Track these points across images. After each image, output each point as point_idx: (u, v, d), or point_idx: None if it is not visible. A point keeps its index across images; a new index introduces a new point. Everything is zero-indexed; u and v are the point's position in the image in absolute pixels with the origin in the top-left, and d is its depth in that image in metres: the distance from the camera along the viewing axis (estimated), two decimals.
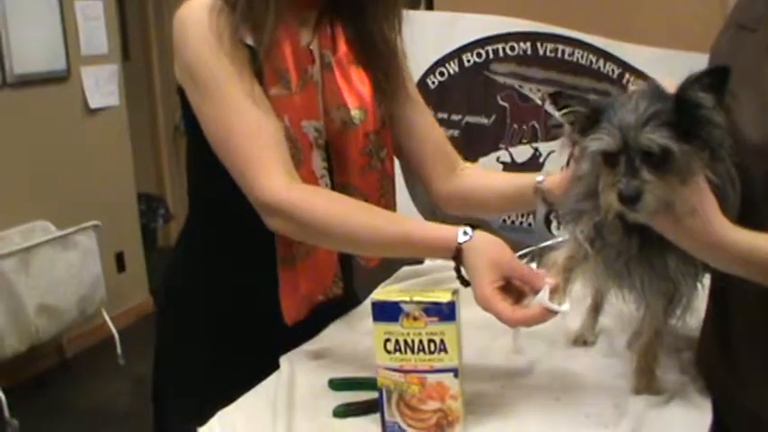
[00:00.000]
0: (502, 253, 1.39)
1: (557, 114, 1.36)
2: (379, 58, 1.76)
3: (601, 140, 1.25)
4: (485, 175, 1.89)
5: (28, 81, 5.17)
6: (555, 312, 1.34)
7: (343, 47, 1.75)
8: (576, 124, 1.32)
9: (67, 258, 5.01)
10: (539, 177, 1.70)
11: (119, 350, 5.35)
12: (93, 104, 5.67)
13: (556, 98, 1.35)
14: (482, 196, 1.84)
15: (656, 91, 1.27)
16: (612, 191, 1.25)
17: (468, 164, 1.91)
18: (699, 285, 1.42)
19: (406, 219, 1.55)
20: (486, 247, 1.39)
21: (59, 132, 5.41)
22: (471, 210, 1.91)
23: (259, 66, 1.60)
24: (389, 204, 1.82)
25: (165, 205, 7.48)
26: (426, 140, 1.86)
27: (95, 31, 5.71)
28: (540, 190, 1.69)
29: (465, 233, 1.40)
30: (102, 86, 5.74)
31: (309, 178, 1.64)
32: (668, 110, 1.23)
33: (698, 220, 1.25)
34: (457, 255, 1.40)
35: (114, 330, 5.37)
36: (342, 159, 1.73)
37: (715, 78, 1.22)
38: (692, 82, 1.23)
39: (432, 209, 2.59)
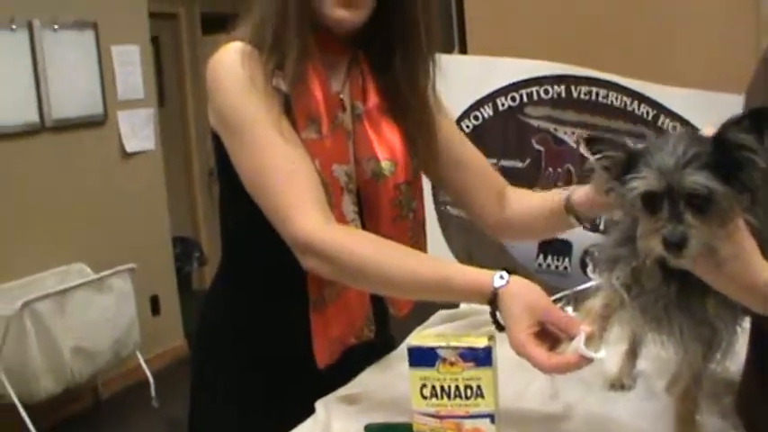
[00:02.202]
0: (537, 298, 1.38)
1: (591, 159, 1.35)
2: (411, 108, 1.76)
3: (644, 181, 1.24)
4: (523, 199, 1.88)
5: (66, 125, 5.25)
6: (590, 360, 1.32)
7: (373, 98, 1.75)
8: (612, 170, 1.32)
9: (103, 301, 5.04)
10: (566, 194, 1.72)
11: (153, 393, 5.36)
12: (129, 148, 5.73)
13: (591, 142, 1.34)
14: (525, 220, 1.86)
15: (692, 134, 1.26)
16: (655, 236, 1.23)
17: (513, 189, 1.91)
18: (738, 329, 1.40)
19: (442, 262, 1.55)
20: (521, 293, 1.38)
21: (96, 176, 5.47)
22: (519, 235, 1.92)
23: (291, 109, 1.62)
24: (421, 251, 1.81)
25: (199, 249, 7.52)
26: (471, 171, 1.87)
27: (132, 76, 5.79)
28: (570, 207, 1.70)
29: (501, 278, 1.39)
30: (137, 131, 5.80)
31: (340, 221, 1.63)
32: (707, 152, 1.21)
33: (738, 264, 1.24)
34: (492, 299, 1.39)
35: (149, 373, 5.38)
36: (373, 209, 1.73)
37: (755, 121, 1.21)
38: (732, 125, 1.22)
39: (468, 254, 2.58)
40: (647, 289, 1.34)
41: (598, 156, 1.32)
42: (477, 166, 1.89)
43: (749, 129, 1.21)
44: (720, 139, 1.23)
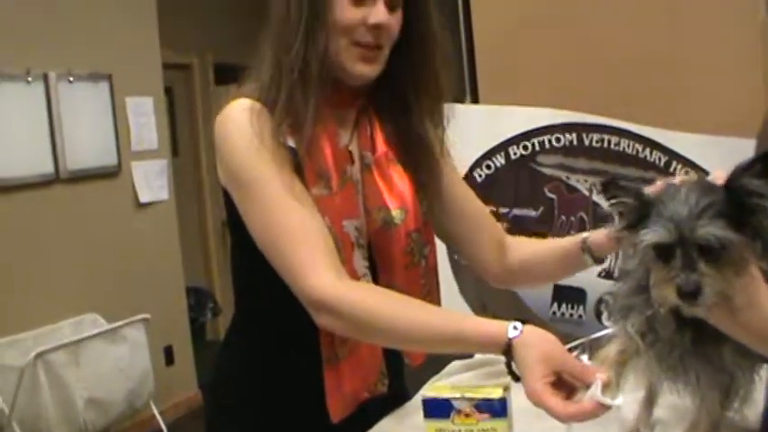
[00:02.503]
0: (552, 348, 1.38)
1: (605, 205, 1.35)
2: (421, 156, 1.78)
3: (655, 233, 1.23)
4: (530, 245, 1.91)
5: (80, 176, 5.28)
6: (607, 407, 1.31)
7: (381, 146, 1.76)
8: (625, 216, 1.31)
9: (117, 352, 5.03)
10: (584, 235, 1.74)
11: None
12: (143, 199, 5.76)
13: (607, 187, 1.34)
14: (532, 266, 1.87)
15: (704, 183, 1.27)
16: (669, 285, 1.23)
17: (511, 237, 1.92)
18: (756, 377, 1.39)
19: (455, 314, 1.54)
20: (536, 342, 1.37)
21: (110, 226, 5.49)
22: (524, 282, 1.92)
23: (300, 166, 1.62)
24: (434, 300, 1.82)
25: (213, 299, 7.52)
26: (471, 219, 1.89)
27: (145, 127, 5.84)
28: (587, 247, 1.71)
29: (515, 328, 1.39)
30: (151, 181, 5.84)
31: (352, 277, 1.63)
32: (720, 201, 1.21)
33: (753, 313, 1.23)
34: (507, 350, 1.38)
35: (163, 424, 5.36)
36: (385, 259, 1.74)
37: (765, 164, 1.21)
38: (743, 170, 1.22)
39: (481, 302, 2.56)
40: (662, 337, 1.34)
41: (613, 201, 1.32)
42: (478, 215, 1.91)
43: (760, 173, 1.20)
44: (731, 185, 1.23)
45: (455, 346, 1.50)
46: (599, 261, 1.73)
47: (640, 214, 1.28)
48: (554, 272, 1.92)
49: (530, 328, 1.39)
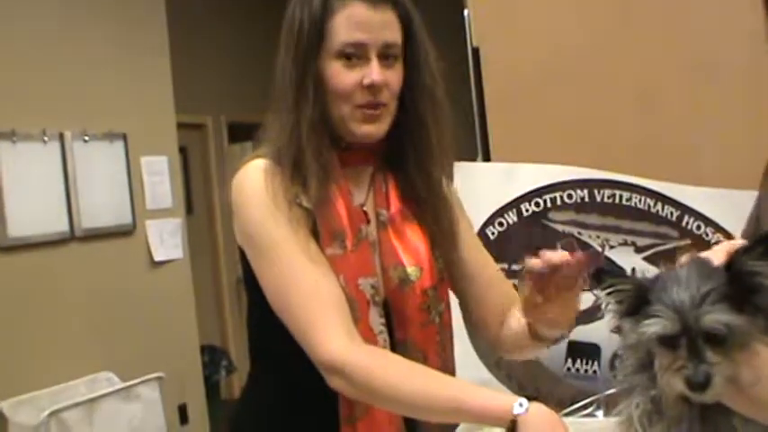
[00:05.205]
0: (556, 427, 1.39)
1: (601, 294, 1.32)
2: (428, 209, 1.77)
3: (658, 323, 1.20)
4: (513, 319, 1.80)
5: (95, 234, 5.31)
6: None
7: (396, 204, 1.76)
8: (624, 303, 1.27)
9: (131, 410, 5.02)
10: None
11: None
12: (157, 257, 5.78)
13: (600, 276, 1.30)
14: (511, 342, 1.80)
15: (704, 265, 1.24)
16: (676, 375, 1.19)
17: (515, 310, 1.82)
18: None
19: (462, 386, 1.53)
20: (540, 421, 1.38)
21: (125, 284, 5.50)
22: (523, 349, 1.84)
23: (315, 226, 1.63)
24: (448, 357, 1.80)
25: (227, 357, 7.50)
26: (482, 286, 1.85)
27: (160, 185, 5.87)
28: (535, 333, 1.69)
29: (520, 405, 1.39)
30: (166, 240, 5.86)
31: (367, 335, 1.63)
32: (721, 283, 1.18)
33: (762, 389, 1.21)
34: (512, 427, 1.39)
35: None
36: (401, 316, 1.72)
37: (766, 246, 1.18)
38: (743, 253, 1.20)
39: (495, 360, 2.55)
40: (669, 414, 1.30)
41: (609, 290, 1.28)
42: (489, 282, 1.86)
43: (761, 255, 1.18)
44: (733, 268, 1.20)
45: (460, 417, 1.51)
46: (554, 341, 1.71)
47: (639, 300, 1.24)
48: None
49: (535, 405, 1.40)
